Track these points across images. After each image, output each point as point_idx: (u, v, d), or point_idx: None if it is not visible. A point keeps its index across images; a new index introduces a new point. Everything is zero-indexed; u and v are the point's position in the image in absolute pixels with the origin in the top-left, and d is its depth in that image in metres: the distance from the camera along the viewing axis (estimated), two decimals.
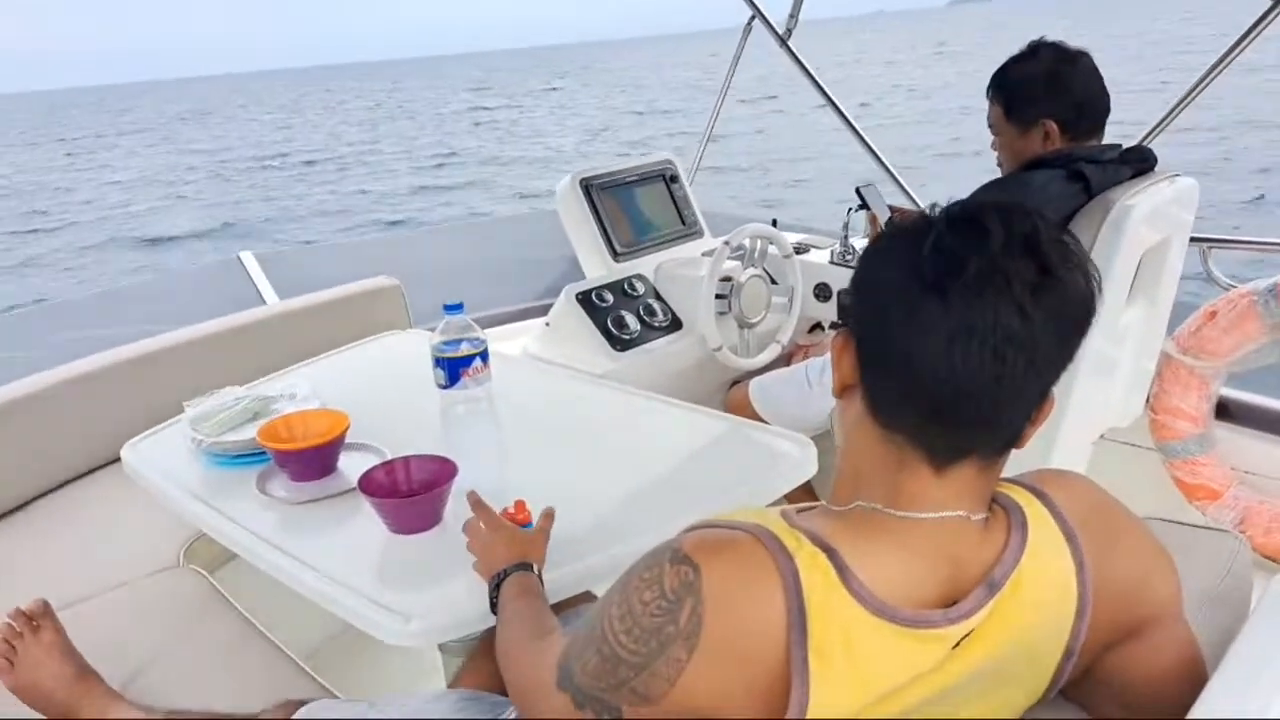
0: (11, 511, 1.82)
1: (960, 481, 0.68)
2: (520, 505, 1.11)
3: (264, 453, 1.38)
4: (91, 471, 1.91)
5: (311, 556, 1.16)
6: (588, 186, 2.45)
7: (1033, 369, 0.64)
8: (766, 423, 2.09)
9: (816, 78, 2.87)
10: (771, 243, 2.35)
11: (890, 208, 2.01)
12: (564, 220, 2.49)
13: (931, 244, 0.65)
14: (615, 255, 2.44)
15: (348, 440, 1.41)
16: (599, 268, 2.44)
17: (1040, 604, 0.69)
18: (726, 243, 2.22)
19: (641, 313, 2.36)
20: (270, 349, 2.09)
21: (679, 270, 2.45)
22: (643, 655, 0.66)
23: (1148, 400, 2.13)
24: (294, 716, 1.00)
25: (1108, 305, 1.59)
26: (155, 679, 1.28)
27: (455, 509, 1.22)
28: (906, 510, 0.68)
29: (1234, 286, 2.07)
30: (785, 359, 2.53)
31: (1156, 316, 1.82)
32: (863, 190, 1.96)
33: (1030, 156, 1.65)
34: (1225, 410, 2.13)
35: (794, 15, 2.85)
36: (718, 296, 2.28)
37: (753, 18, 2.93)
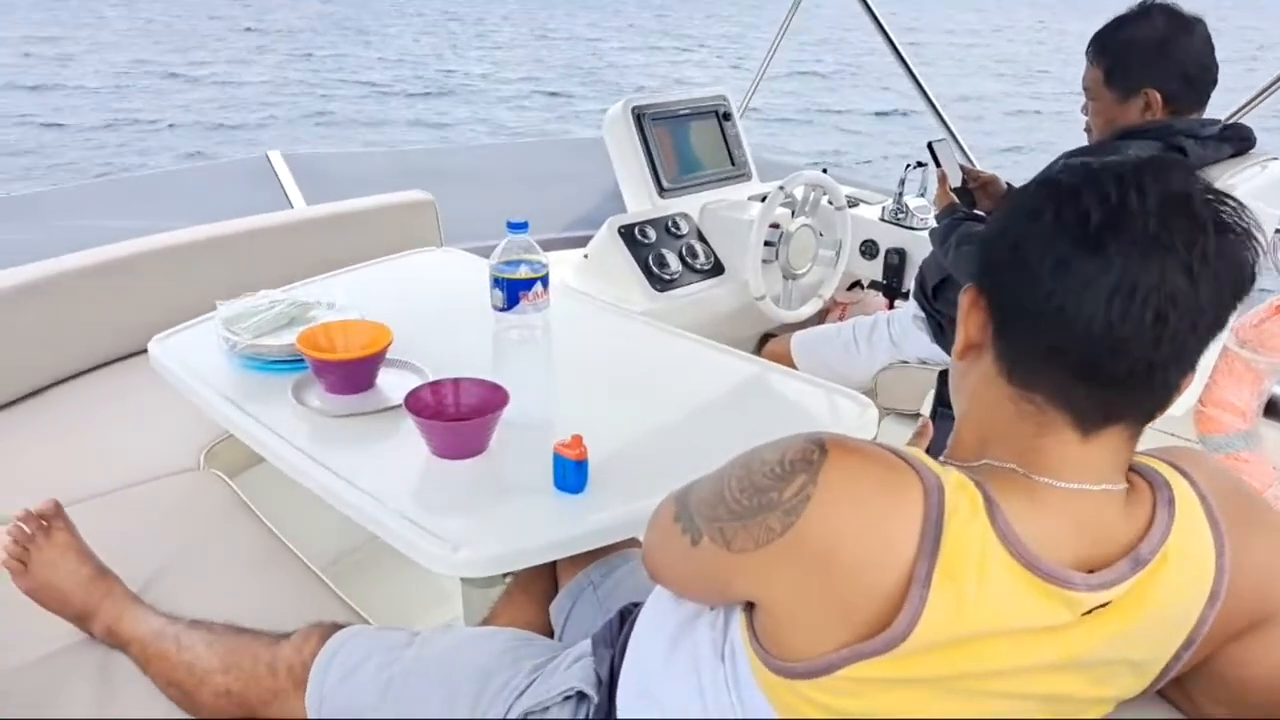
0: (27, 397, 1.76)
1: (1107, 448, 0.66)
2: (577, 440, 1.04)
3: (299, 360, 1.31)
4: (111, 363, 1.85)
5: (349, 473, 1.11)
6: (639, 115, 2.34)
7: (1194, 333, 0.62)
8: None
9: (885, 26, 2.74)
10: (825, 193, 2.26)
11: (964, 168, 1.92)
12: (611, 149, 2.39)
13: (1094, 199, 0.62)
14: (661, 191, 2.34)
15: (388, 357, 1.35)
16: (643, 202, 2.35)
17: (1179, 587, 0.66)
18: (781, 188, 2.13)
19: (684, 253, 2.27)
20: (298, 255, 2.02)
21: (725, 212, 2.36)
22: (742, 507, 0.67)
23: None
24: (330, 643, 0.96)
25: None
26: (173, 584, 1.24)
27: (502, 438, 1.17)
28: (1045, 475, 0.66)
29: None
30: (821, 315, 2.46)
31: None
32: (935, 145, 1.86)
33: (1126, 126, 1.56)
34: (1274, 409, 2.06)
35: None
36: (765, 244, 2.20)
37: None
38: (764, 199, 2.20)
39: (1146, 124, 1.54)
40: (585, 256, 2.27)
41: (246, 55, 17.72)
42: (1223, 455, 2.09)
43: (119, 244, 1.87)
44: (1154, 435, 2.23)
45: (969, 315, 0.70)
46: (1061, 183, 0.65)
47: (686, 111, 2.47)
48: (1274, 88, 2.00)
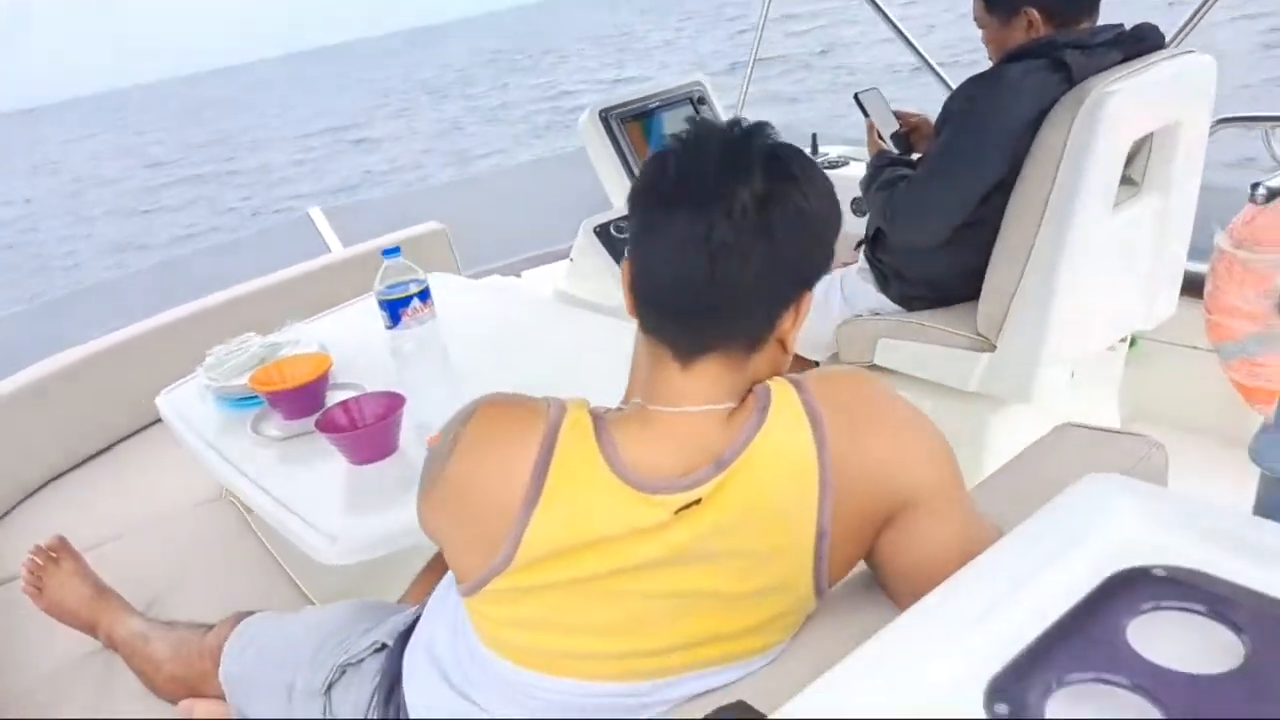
0: (100, 453, 2.08)
1: (706, 375, 0.75)
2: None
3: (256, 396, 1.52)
4: (146, 428, 2.14)
5: (284, 486, 1.29)
6: (606, 117, 2.45)
7: (745, 271, 0.71)
8: None
9: None
10: None
11: (897, 114, 1.91)
12: (590, 155, 2.52)
13: (671, 166, 0.74)
14: None
15: (339, 381, 1.54)
16: (623, 199, 2.45)
17: (774, 481, 0.73)
18: None
19: None
20: (329, 296, 2.26)
21: None
22: (429, 459, 0.82)
23: (1204, 297, 1.96)
24: (239, 626, 1.15)
25: (1089, 202, 1.48)
26: (177, 603, 1.47)
27: (414, 439, 1.32)
28: (657, 404, 0.76)
29: None
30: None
31: (1176, 208, 1.66)
32: (861, 97, 1.87)
33: (1013, 47, 1.54)
34: None
35: None
36: None
37: None
38: None
39: (1030, 43, 1.52)
40: (571, 260, 2.40)
41: None
42: (1237, 360, 1.98)
43: (151, 319, 2.16)
44: (1164, 349, 2.14)
45: (624, 278, 0.79)
46: (657, 155, 0.75)
47: (657, 104, 2.55)
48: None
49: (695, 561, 0.73)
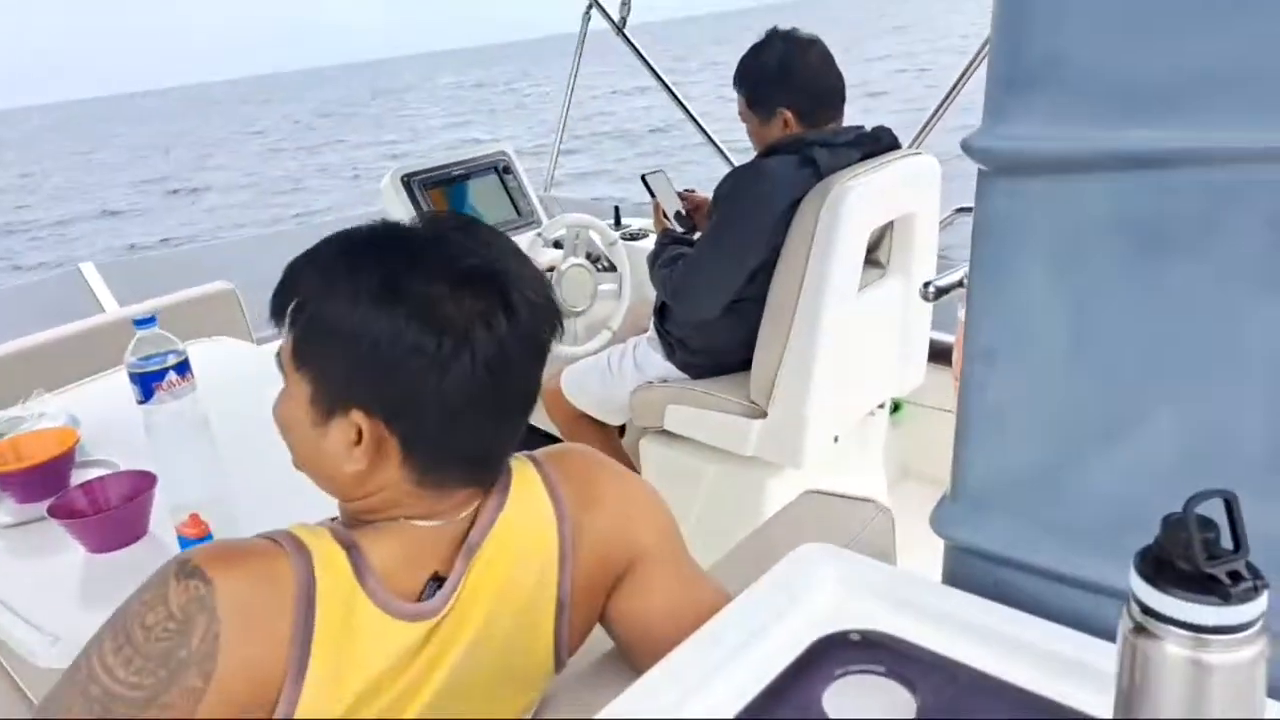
0: None
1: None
2: (194, 519, 1.12)
3: None
4: None
5: (6, 580, 1.16)
6: (408, 182, 2.44)
7: None
8: (579, 410, 2.13)
9: (651, 62, 2.89)
10: (592, 230, 2.36)
11: (681, 195, 2.04)
12: (390, 217, 2.49)
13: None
14: None
15: (88, 457, 1.42)
16: None
17: (522, 556, 0.74)
18: (539, 234, 2.23)
19: None
20: (106, 357, 2.07)
21: None
22: (147, 689, 0.61)
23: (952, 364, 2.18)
24: None
25: (837, 283, 1.63)
26: None
27: (167, 521, 1.23)
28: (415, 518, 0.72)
29: None
30: None
31: (917, 287, 1.87)
32: (648, 178, 1.98)
33: (771, 143, 1.69)
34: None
35: (626, 3, 2.86)
36: None
37: (590, 7, 2.93)
38: (556, 244, 2.30)
39: (784, 139, 1.67)
40: None
41: None
42: None
43: None
44: (923, 412, 2.34)
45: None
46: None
47: (461, 172, 2.58)
48: (947, 103, 2.18)
49: (464, 677, 0.72)
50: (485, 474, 0.74)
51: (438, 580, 0.71)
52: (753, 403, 1.75)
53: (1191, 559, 0.49)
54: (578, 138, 16.41)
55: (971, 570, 0.83)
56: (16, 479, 1.33)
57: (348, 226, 0.74)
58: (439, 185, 2.51)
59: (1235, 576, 0.49)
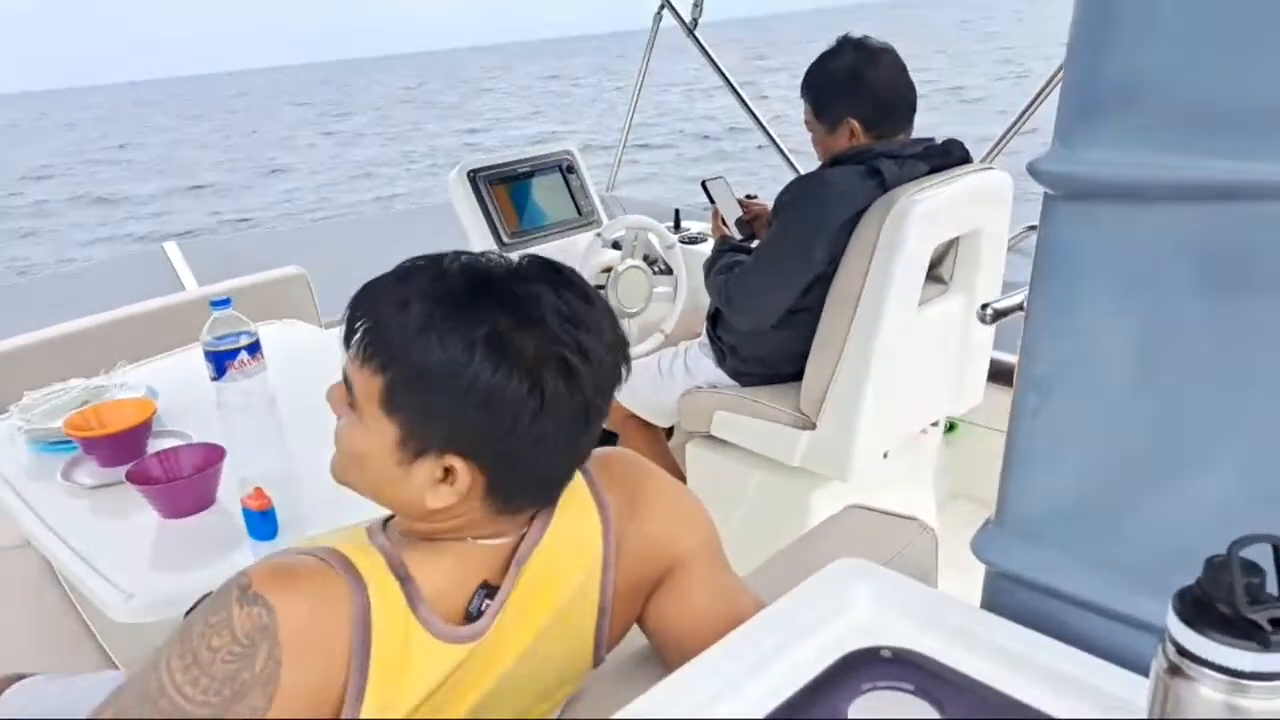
0: None
1: None
2: (259, 492, 1.17)
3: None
4: None
5: (89, 537, 1.23)
6: (474, 177, 2.49)
7: None
8: (628, 410, 2.16)
9: (720, 65, 2.90)
10: (650, 233, 2.39)
11: (741, 202, 2.04)
12: (456, 210, 2.55)
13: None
14: (501, 244, 2.48)
15: (165, 428, 1.50)
16: None
17: (567, 564, 0.76)
18: (599, 235, 2.26)
19: None
20: (184, 334, 2.17)
21: (561, 260, 2.49)
22: (214, 707, 0.64)
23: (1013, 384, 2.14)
24: (5, 692, 1.09)
25: (896, 298, 1.62)
26: None
27: (236, 493, 1.29)
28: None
29: None
30: None
31: (977, 306, 1.84)
32: (708, 184, 1.99)
33: (837, 153, 1.69)
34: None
35: (698, 4, 2.88)
36: (598, 288, 2.32)
37: (662, 7, 2.96)
38: (615, 245, 2.33)
39: (850, 150, 1.67)
40: None
41: None
42: None
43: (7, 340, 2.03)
44: (975, 431, 2.31)
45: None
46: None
47: (527, 169, 2.62)
48: (1024, 119, 2.13)
49: (512, 683, 0.75)
50: (557, 494, 0.77)
51: (486, 588, 0.74)
52: (802, 413, 1.76)
53: (1233, 602, 0.49)
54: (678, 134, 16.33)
55: (1010, 597, 0.83)
56: (100, 444, 1.41)
57: (425, 254, 0.73)
58: (504, 182, 2.55)
59: (1277, 623, 0.48)
